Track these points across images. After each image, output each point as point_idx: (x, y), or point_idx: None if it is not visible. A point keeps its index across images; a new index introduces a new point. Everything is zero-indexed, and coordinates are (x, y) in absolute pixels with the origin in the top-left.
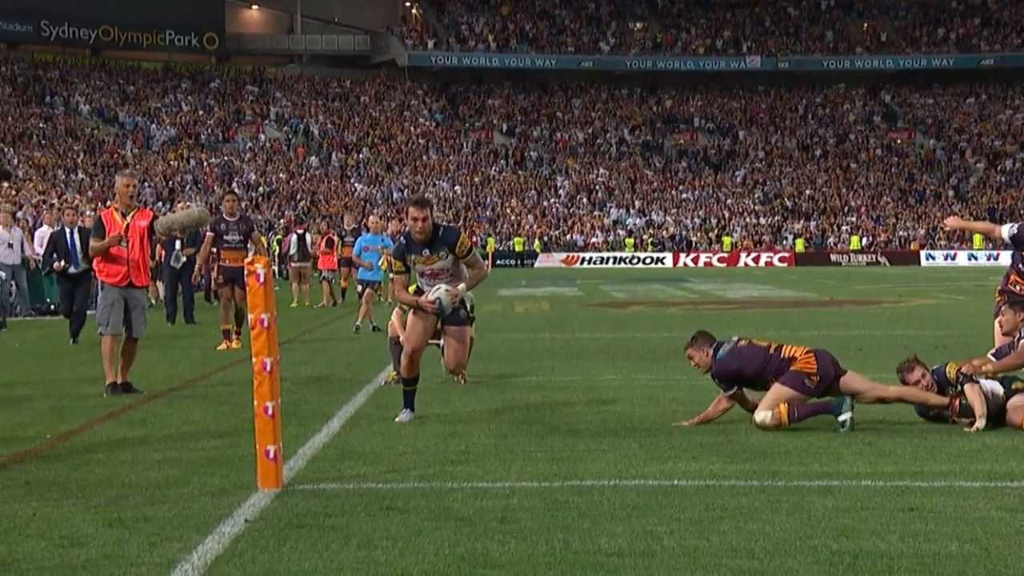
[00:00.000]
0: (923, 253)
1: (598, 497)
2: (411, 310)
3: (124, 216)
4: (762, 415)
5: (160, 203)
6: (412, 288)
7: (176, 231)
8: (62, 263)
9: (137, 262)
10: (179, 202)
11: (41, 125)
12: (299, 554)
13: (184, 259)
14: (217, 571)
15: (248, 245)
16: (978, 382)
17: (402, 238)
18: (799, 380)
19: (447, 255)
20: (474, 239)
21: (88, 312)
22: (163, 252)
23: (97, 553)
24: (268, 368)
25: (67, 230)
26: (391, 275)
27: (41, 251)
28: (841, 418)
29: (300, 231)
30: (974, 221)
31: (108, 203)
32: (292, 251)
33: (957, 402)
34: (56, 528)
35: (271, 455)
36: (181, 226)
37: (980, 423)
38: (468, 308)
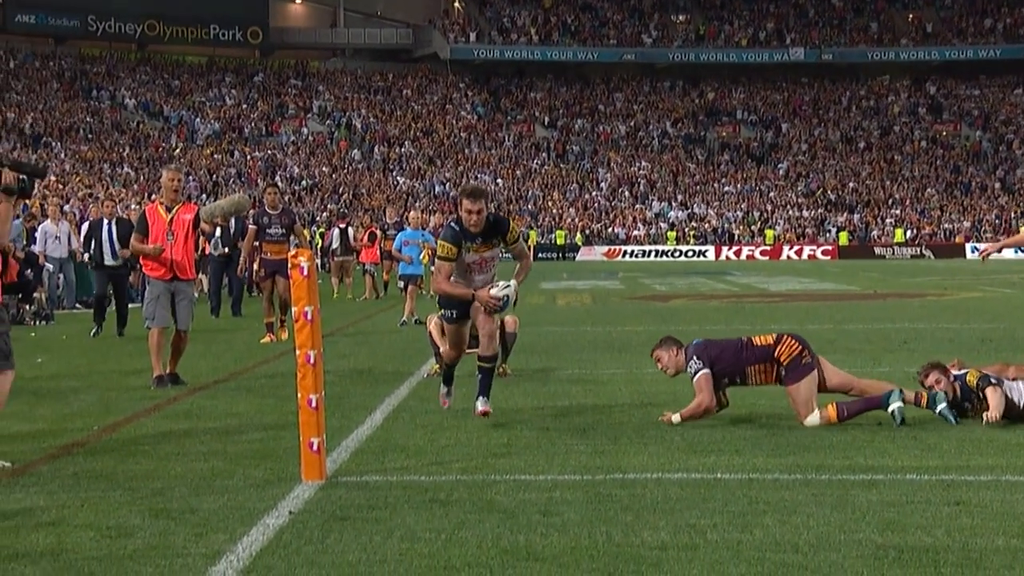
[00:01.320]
0: (968, 246)
1: (640, 490)
2: (446, 322)
3: (168, 210)
4: (811, 418)
5: (204, 196)
6: None
7: (219, 218)
8: (86, 256)
9: (182, 256)
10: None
11: (88, 119)
12: (343, 546)
13: (224, 249)
14: (262, 562)
15: (291, 238)
16: (1000, 383)
17: (453, 224)
18: (798, 365)
19: (499, 243)
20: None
21: (130, 305)
22: (207, 244)
23: (144, 544)
24: (312, 361)
25: (104, 221)
26: (436, 262)
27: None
28: (890, 408)
29: (343, 225)
30: (1009, 237)
31: (153, 197)
32: (335, 245)
33: (924, 395)
34: (103, 519)
35: (315, 447)
36: (223, 212)
37: (993, 415)
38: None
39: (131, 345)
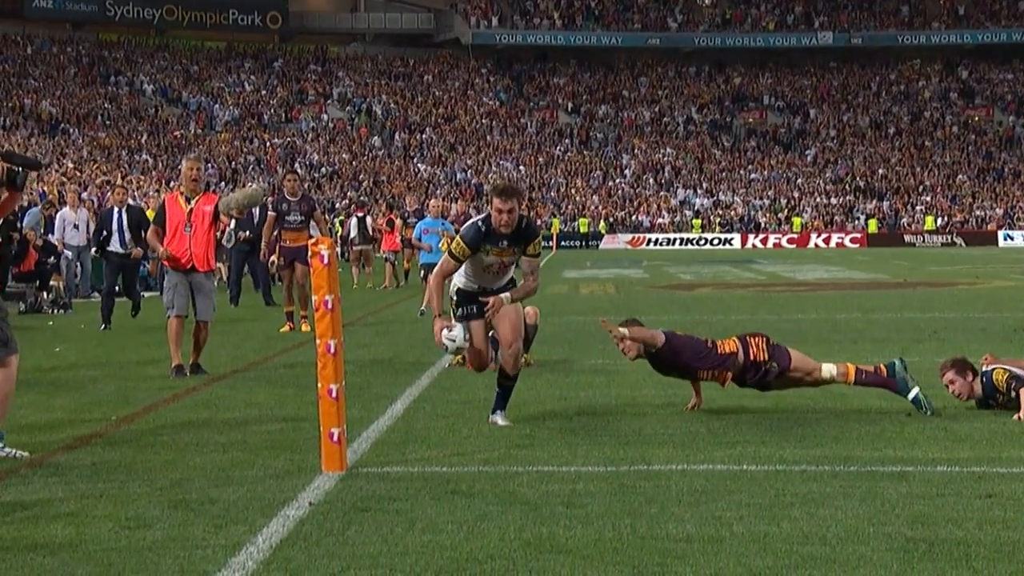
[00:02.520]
0: (1001, 233)
1: (665, 482)
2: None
3: (188, 201)
4: (826, 368)
5: (223, 183)
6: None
7: (234, 210)
8: (95, 250)
9: (201, 248)
10: (245, 183)
11: (106, 105)
12: (364, 537)
13: (235, 240)
14: (282, 554)
15: (311, 224)
16: None
17: (480, 224)
18: (776, 348)
19: (521, 250)
20: (539, 221)
21: (147, 294)
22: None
23: (163, 535)
24: (332, 350)
25: (115, 209)
26: (445, 256)
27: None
28: (911, 396)
29: (360, 214)
30: None
31: (172, 185)
32: (353, 234)
33: (883, 368)
34: (122, 509)
35: (335, 438)
36: (239, 205)
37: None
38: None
39: (149, 335)
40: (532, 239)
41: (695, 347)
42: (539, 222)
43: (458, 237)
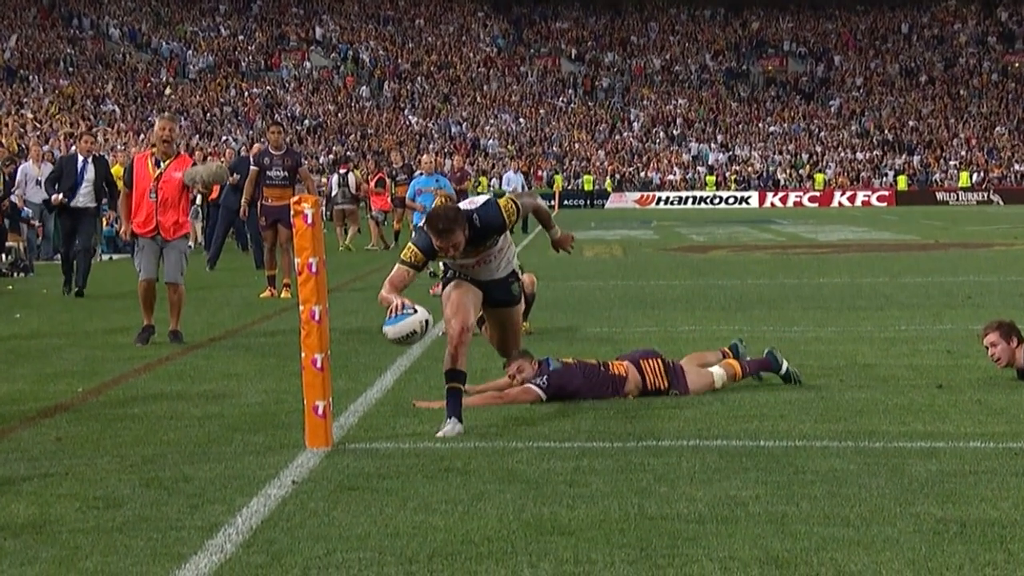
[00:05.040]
0: None
1: (676, 459)
2: (449, 283)
3: (158, 164)
4: (716, 373)
5: (198, 137)
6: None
7: (199, 185)
8: (61, 196)
9: (168, 216)
10: (224, 137)
11: (68, 51)
12: (351, 518)
13: (235, 176)
14: (263, 536)
15: (296, 180)
16: None
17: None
18: (671, 369)
19: (496, 239)
20: (539, 174)
21: (113, 256)
22: (218, 190)
23: (134, 515)
24: (317, 317)
25: (79, 157)
26: (397, 264)
27: None
28: (782, 372)
29: (343, 170)
30: None
31: (143, 147)
32: (335, 192)
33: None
34: (90, 488)
35: (320, 411)
36: (204, 180)
37: None
38: (519, 275)
39: (119, 300)
40: (501, 225)
41: (583, 372)
42: (539, 173)
43: (411, 241)
